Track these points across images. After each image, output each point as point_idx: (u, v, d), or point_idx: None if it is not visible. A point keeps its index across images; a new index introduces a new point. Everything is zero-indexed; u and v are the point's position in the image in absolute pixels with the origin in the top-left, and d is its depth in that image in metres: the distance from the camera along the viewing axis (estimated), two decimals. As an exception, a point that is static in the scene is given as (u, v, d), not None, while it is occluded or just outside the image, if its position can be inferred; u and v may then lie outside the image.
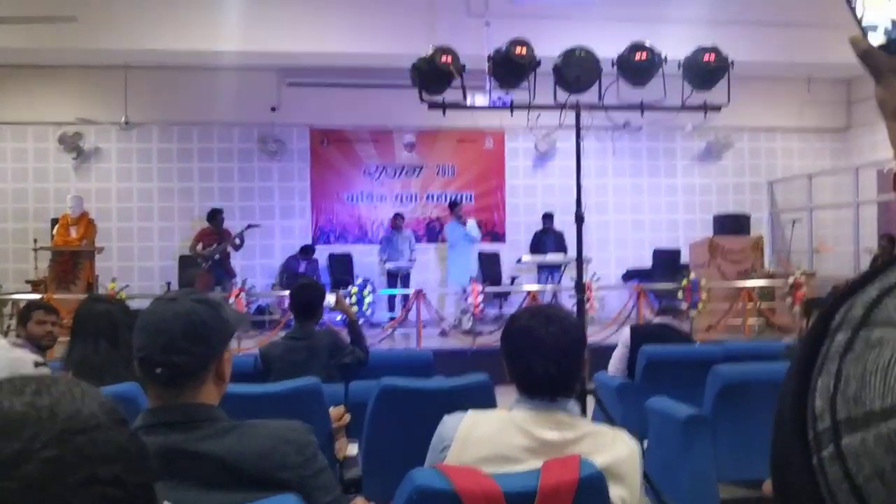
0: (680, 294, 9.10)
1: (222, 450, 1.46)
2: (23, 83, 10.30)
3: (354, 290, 8.43)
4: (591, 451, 1.79)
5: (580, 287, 4.58)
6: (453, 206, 10.06)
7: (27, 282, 9.62)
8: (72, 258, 9.08)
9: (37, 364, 3.56)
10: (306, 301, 3.79)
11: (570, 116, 4.55)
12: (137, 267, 10.55)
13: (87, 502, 0.50)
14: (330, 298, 4.42)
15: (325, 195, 11.25)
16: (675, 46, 4.83)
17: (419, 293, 8.79)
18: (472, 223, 9.87)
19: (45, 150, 10.60)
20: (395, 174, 11.41)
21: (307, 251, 10.55)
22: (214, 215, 9.91)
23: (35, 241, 9.40)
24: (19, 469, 0.49)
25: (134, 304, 7.86)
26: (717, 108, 4.84)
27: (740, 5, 8.87)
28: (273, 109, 10.79)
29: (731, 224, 10.84)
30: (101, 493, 0.52)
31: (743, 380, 4.16)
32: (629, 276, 10.94)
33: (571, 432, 1.81)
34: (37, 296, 8.69)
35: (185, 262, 10.32)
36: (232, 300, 8.62)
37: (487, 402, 2.85)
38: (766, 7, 8.97)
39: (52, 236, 9.57)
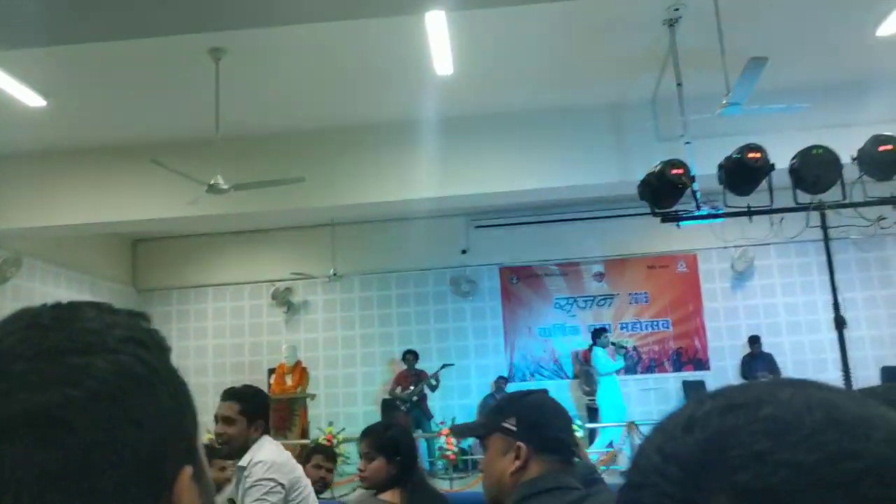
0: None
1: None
2: (241, 247, 11.37)
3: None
4: None
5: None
6: (598, 333, 9.85)
7: (249, 430, 10.13)
8: (288, 405, 9.52)
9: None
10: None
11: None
12: (343, 413, 10.86)
13: None
14: None
15: (518, 331, 11.27)
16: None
17: (632, 425, 8.39)
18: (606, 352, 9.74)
19: (259, 306, 11.47)
20: (586, 305, 11.29)
21: (501, 381, 10.50)
22: (407, 357, 10.20)
23: (258, 389, 9.95)
24: (880, 478, 0.40)
25: (349, 447, 7.99)
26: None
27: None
28: (463, 252, 11.16)
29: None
30: None
31: None
32: (858, 397, 9.93)
33: None
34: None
35: (386, 406, 10.53)
36: (442, 440, 8.60)
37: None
38: None
39: (269, 385, 10.12)
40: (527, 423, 1.80)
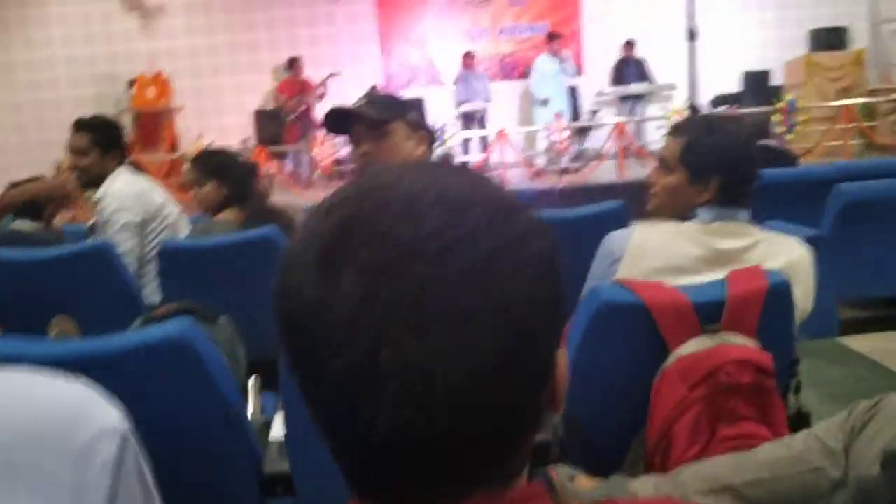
0: (776, 116, 8.65)
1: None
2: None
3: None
4: (766, 257, 1.78)
5: (695, 110, 4.35)
6: (552, 38, 9.79)
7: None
8: (154, 119, 9.14)
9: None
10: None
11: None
12: (215, 125, 10.54)
13: (538, 274, 0.49)
14: None
15: (394, 38, 10.86)
16: None
17: (502, 133, 8.58)
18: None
19: (109, 12, 10.41)
20: (464, 8, 10.86)
21: (374, 90, 10.33)
22: (292, 65, 9.67)
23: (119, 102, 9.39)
24: (473, 247, 0.47)
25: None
26: None
27: None
28: (333, -53, 10.26)
29: (828, 39, 10.10)
30: (549, 269, 0.50)
31: (868, 198, 3.96)
32: (718, 101, 10.38)
33: (745, 240, 1.79)
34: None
35: (262, 117, 10.25)
36: (316, 150, 8.60)
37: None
38: None
39: (131, 98, 9.60)
40: (423, 118, 2.01)
